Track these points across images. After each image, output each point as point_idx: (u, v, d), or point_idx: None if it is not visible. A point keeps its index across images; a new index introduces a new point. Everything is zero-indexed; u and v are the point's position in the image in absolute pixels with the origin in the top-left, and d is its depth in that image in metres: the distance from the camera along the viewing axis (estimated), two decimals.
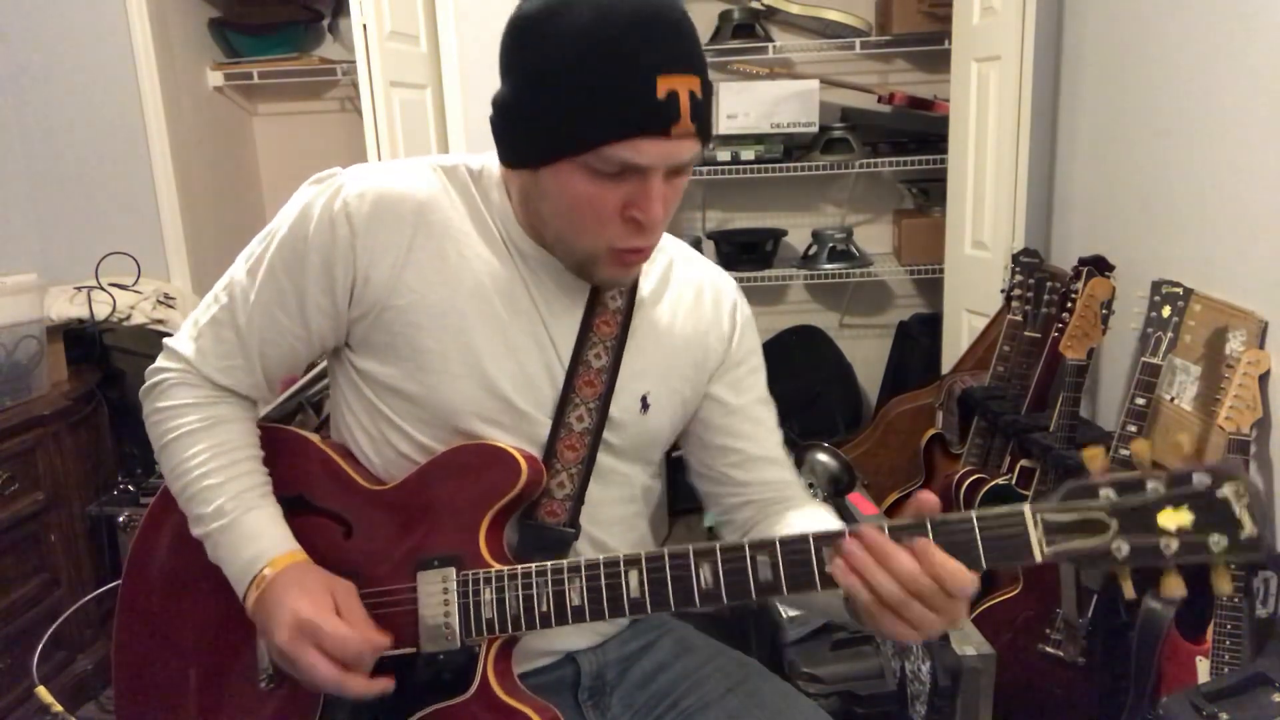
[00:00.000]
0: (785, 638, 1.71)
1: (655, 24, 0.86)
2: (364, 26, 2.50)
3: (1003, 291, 2.52)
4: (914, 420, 2.79)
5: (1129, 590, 0.82)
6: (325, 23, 3.33)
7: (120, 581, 1.10)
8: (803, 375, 3.37)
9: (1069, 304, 2.13)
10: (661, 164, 0.89)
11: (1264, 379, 1.62)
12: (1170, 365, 1.88)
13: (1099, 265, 2.11)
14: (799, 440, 2.52)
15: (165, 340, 1.06)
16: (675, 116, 0.86)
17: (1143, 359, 1.77)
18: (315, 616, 0.91)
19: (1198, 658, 1.59)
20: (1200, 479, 0.79)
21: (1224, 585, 0.80)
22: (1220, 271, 1.83)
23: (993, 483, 2.14)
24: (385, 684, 0.93)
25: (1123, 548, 0.80)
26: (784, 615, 1.75)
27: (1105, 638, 1.84)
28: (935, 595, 0.82)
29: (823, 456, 2.21)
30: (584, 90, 0.86)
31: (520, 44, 0.91)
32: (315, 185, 1.01)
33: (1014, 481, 2.12)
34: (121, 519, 2.40)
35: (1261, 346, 1.66)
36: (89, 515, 2.45)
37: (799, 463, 2.26)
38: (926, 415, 2.76)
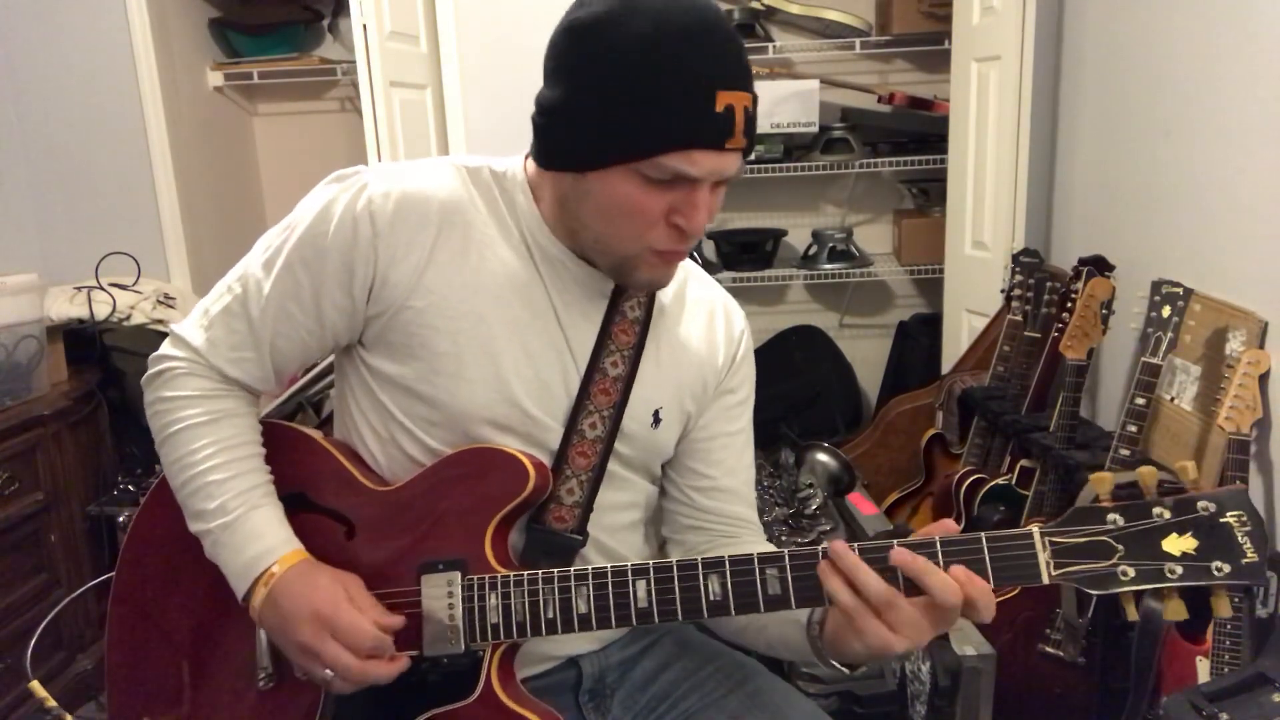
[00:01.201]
0: None
1: (715, 38, 0.88)
2: (364, 26, 2.50)
3: (1003, 291, 2.52)
4: (914, 420, 2.80)
5: (1131, 613, 0.84)
6: (325, 23, 3.33)
7: (115, 575, 1.08)
8: (803, 375, 3.36)
9: (1069, 304, 2.13)
10: (712, 176, 0.90)
11: (1264, 379, 1.62)
12: (1170, 365, 1.88)
13: (1099, 265, 2.11)
14: (799, 440, 2.51)
15: (172, 327, 1.04)
16: (730, 131, 0.88)
17: (1143, 359, 1.77)
18: (332, 610, 0.91)
19: (1198, 658, 1.59)
20: (1204, 506, 0.82)
21: (1223, 609, 0.83)
22: (1220, 271, 1.83)
23: (993, 483, 2.14)
24: (402, 662, 0.94)
25: (1128, 571, 0.82)
26: None
27: (1105, 638, 1.84)
28: (955, 610, 0.84)
29: (823, 456, 2.21)
30: (644, 99, 0.87)
31: (578, 49, 0.91)
32: (338, 182, 1.00)
33: (1014, 481, 2.12)
34: (121, 519, 2.40)
35: (1261, 346, 1.66)
36: (89, 515, 2.45)
37: (799, 463, 2.26)
38: (926, 415, 2.76)
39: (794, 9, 3.16)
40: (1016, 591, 1.98)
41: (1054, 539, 0.84)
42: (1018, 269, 2.38)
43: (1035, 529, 0.84)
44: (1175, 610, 0.83)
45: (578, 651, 1.11)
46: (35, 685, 1.09)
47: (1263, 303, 1.69)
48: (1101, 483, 0.85)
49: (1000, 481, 2.15)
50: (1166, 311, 1.77)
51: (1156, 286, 1.80)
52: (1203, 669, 1.58)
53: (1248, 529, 0.81)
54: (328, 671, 0.91)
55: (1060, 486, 1.99)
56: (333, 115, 3.42)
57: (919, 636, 0.85)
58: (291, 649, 0.94)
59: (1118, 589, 0.83)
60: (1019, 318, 2.35)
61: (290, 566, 0.95)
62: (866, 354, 3.52)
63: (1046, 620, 1.94)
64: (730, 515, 1.13)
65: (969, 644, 1.72)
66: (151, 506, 1.08)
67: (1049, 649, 1.93)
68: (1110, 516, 0.83)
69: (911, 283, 3.52)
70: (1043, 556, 0.83)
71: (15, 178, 2.77)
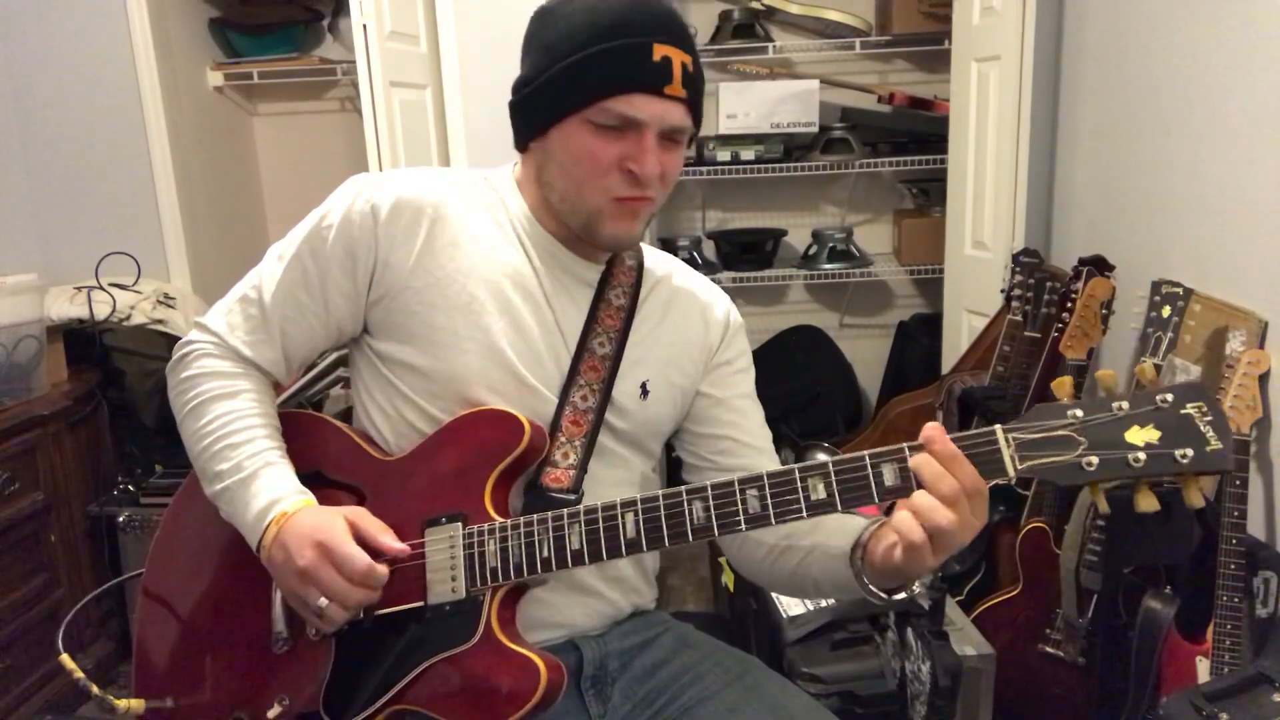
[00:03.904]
0: (785, 638, 1.71)
1: (652, 5, 1.01)
2: (364, 26, 2.50)
3: (1003, 291, 2.52)
4: (914, 420, 2.79)
5: (1103, 505, 0.87)
6: (325, 23, 3.33)
7: (146, 565, 1.15)
8: (803, 375, 3.37)
9: (1069, 304, 2.13)
10: (655, 121, 1.00)
11: (1264, 379, 1.62)
12: (1170, 365, 1.88)
13: (1099, 265, 2.11)
14: (799, 440, 2.51)
15: (196, 318, 1.14)
16: (668, 78, 0.99)
17: (1143, 359, 1.77)
18: (331, 539, 0.96)
19: (1198, 658, 1.59)
20: (1164, 398, 0.84)
21: (1195, 498, 0.84)
22: (1220, 271, 1.83)
23: (992, 482, 2.14)
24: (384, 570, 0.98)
25: (1092, 461, 0.84)
26: (784, 615, 1.75)
27: (1105, 638, 1.84)
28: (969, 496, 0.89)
29: (823, 457, 2.21)
30: (589, 55, 0.99)
31: (538, 28, 1.05)
32: (343, 188, 1.10)
33: (1014, 481, 2.12)
34: (121, 519, 2.41)
35: (1261, 346, 1.66)
36: (89, 515, 2.45)
37: (799, 462, 2.26)
38: (926, 415, 2.76)
39: (794, 9, 3.16)
40: (1017, 591, 1.99)
41: (1016, 435, 0.87)
42: (1018, 269, 2.38)
43: (998, 427, 0.88)
44: (1146, 501, 0.84)
45: (575, 623, 1.13)
46: (65, 658, 1.15)
47: (1263, 303, 1.69)
48: (1061, 386, 0.89)
49: (1000, 481, 2.14)
50: (1166, 311, 1.77)
51: (1156, 286, 1.80)
52: (1203, 669, 1.58)
53: (1209, 418, 0.83)
54: (322, 600, 0.96)
55: (1060, 486, 1.99)
56: (333, 115, 3.41)
57: (965, 536, 0.90)
58: (293, 579, 0.97)
59: (1084, 480, 0.85)
60: (1019, 318, 2.35)
61: (301, 508, 1.00)
62: (866, 354, 3.52)
63: (1046, 620, 1.94)
64: (745, 469, 1.14)
65: (969, 644, 1.72)
66: (182, 499, 1.14)
67: (1049, 649, 1.93)
68: (1071, 412, 0.86)
69: (911, 283, 3.53)
70: (1007, 452, 0.87)
71: (15, 178, 2.77)
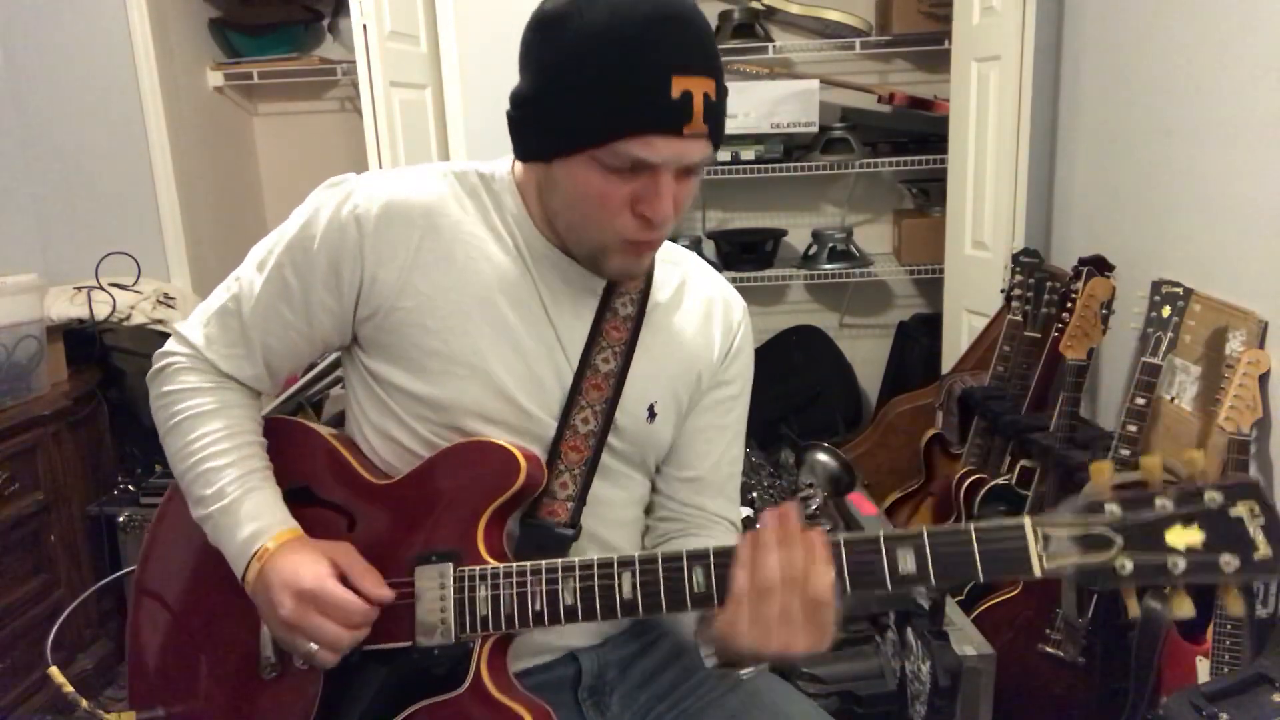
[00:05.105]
0: None
1: (672, 24, 0.88)
2: (364, 26, 2.50)
3: (1003, 291, 2.52)
4: (914, 420, 2.80)
5: (1133, 608, 0.80)
6: (325, 23, 3.33)
7: (135, 568, 1.12)
8: (803, 375, 3.36)
9: (1069, 304, 2.13)
10: (672, 162, 0.90)
11: (1264, 379, 1.62)
12: (1170, 365, 1.88)
13: (1099, 265, 2.11)
14: (799, 440, 2.51)
15: (175, 325, 1.08)
16: (688, 116, 0.88)
17: (1143, 359, 1.77)
18: (316, 585, 0.92)
19: (1198, 658, 1.59)
20: (1212, 496, 0.77)
21: (1235, 607, 0.78)
22: (1220, 271, 1.83)
23: (993, 483, 2.14)
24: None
25: (1127, 565, 0.78)
26: None
27: (1105, 638, 1.84)
28: (795, 589, 0.82)
29: (823, 456, 2.21)
30: (599, 86, 0.88)
31: (539, 40, 0.93)
32: (328, 190, 1.03)
33: (1014, 481, 2.12)
34: (121, 519, 2.40)
35: (1261, 346, 1.66)
36: (89, 515, 2.45)
37: (799, 463, 2.26)
38: (926, 415, 2.76)
39: (794, 9, 3.16)
40: (1017, 591, 1.99)
41: (1047, 530, 0.80)
42: (1018, 269, 2.38)
43: (1028, 519, 0.81)
44: (1182, 607, 0.78)
45: (576, 645, 1.11)
46: (54, 671, 1.13)
47: (1263, 303, 1.69)
48: (1100, 473, 0.80)
49: (1000, 482, 2.15)
50: (1166, 311, 1.77)
51: (1156, 286, 1.80)
52: (1203, 669, 1.58)
53: (1261, 521, 0.75)
54: (311, 645, 0.93)
55: (1060, 486, 1.99)
56: (333, 115, 3.41)
57: (787, 638, 0.83)
58: (276, 624, 0.95)
59: (1116, 584, 0.78)
60: (1019, 318, 2.35)
61: (282, 544, 0.96)
62: (866, 354, 3.52)
63: (1046, 620, 1.94)
64: (707, 510, 1.14)
65: (969, 644, 1.72)
66: (173, 501, 1.10)
67: (1049, 649, 1.93)
68: (1109, 508, 0.79)
69: (911, 283, 3.52)
70: (1035, 548, 0.80)
71: (15, 178, 2.77)
